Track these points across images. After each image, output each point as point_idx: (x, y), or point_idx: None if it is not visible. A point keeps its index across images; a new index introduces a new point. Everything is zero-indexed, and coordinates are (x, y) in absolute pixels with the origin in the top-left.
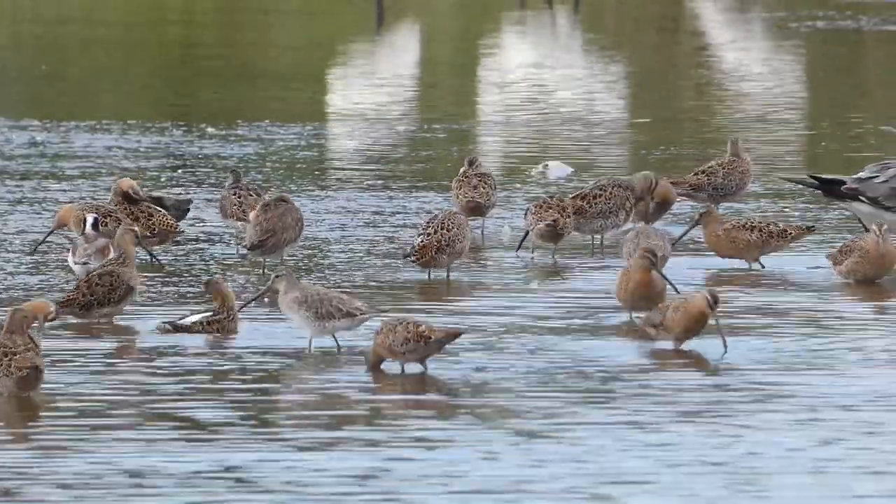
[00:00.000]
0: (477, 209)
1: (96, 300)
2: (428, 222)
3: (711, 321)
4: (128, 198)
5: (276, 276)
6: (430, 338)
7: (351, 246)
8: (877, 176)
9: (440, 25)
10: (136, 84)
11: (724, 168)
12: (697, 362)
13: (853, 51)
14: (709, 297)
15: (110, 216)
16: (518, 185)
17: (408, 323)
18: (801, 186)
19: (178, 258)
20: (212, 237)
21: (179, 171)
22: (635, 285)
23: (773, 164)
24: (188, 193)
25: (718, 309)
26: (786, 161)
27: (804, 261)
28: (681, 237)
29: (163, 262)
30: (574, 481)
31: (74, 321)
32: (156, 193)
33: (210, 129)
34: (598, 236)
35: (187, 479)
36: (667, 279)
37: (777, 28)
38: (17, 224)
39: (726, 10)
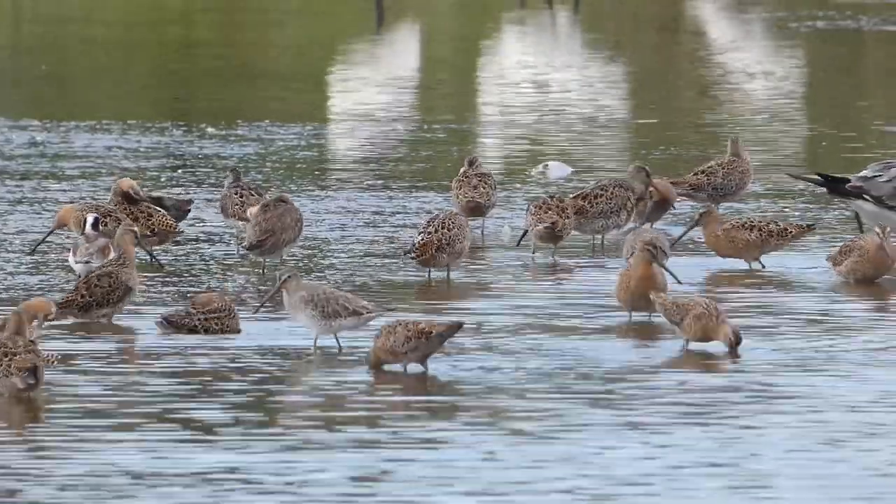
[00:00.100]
0: (477, 209)
1: (95, 301)
2: (429, 221)
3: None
4: (128, 198)
5: (289, 277)
6: (432, 332)
7: (351, 246)
8: (880, 175)
9: (440, 25)
10: (136, 84)
11: (723, 168)
12: (699, 363)
13: (853, 51)
14: (731, 338)
15: (110, 216)
16: (518, 185)
17: (407, 322)
18: (801, 186)
19: (178, 258)
20: (212, 237)
21: (179, 171)
22: (637, 281)
23: (773, 164)
24: (188, 193)
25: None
26: (786, 161)
27: (804, 261)
28: (680, 237)
29: (163, 262)
30: (574, 482)
31: (75, 321)
32: (155, 193)
33: (210, 129)
34: (599, 236)
35: (187, 479)
36: (668, 271)
37: (777, 28)
38: (17, 224)
39: (726, 10)
